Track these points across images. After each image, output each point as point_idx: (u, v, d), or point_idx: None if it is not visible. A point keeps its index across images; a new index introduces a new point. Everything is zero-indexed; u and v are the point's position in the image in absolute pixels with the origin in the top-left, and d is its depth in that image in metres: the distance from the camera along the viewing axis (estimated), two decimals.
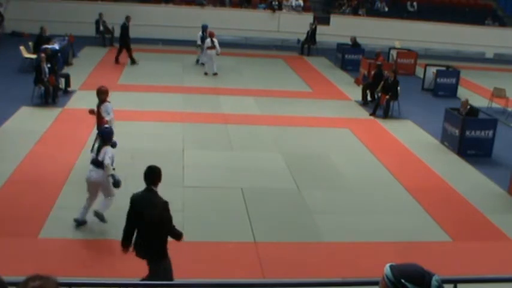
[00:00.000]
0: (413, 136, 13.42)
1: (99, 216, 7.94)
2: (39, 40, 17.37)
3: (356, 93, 16.85)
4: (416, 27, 26.42)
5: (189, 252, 6.44)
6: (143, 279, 6.00)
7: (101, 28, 22.49)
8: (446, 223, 8.84)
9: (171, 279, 5.97)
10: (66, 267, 6.85)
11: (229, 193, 9.44)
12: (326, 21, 26.32)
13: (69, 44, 19.12)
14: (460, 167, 11.61)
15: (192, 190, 9.38)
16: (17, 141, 11.20)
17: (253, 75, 19.31)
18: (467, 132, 12.16)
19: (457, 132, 12.30)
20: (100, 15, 22.51)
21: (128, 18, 19.59)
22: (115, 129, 8.60)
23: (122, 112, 12.04)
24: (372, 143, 12.58)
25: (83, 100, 14.56)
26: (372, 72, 16.69)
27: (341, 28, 25.60)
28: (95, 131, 11.27)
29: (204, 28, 19.97)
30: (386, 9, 27.94)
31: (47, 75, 13.87)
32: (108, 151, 7.85)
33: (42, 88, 13.88)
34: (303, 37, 24.31)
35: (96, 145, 8.19)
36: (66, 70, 16.92)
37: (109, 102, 9.79)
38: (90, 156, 8.26)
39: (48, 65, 14.05)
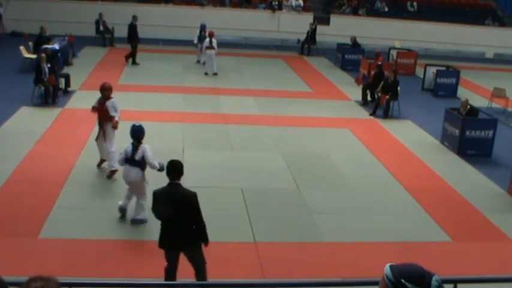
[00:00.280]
0: (413, 136, 13.42)
1: (137, 222, 8.06)
2: (39, 40, 17.37)
3: (356, 93, 16.85)
4: (416, 27, 26.43)
5: None
6: (196, 268, 6.09)
7: (101, 28, 22.49)
8: (446, 223, 8.84)
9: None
10: (66, 267, 6.85)
11: (229, 193, 9.44)
12: (326, 21, 26.32)
13: (69, 44, 19.12)
14: (460, 167, 11.61)
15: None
16: (17, 141, 11.20)
17: (253, 75, 19.31)
18: (467, 132, 12.16)
19: (457, 132, 12.30)
20: (100, 15, 22.51)
21: (134, 18, 19.53)
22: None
23: (122, 112, 11.96)
24: (372, 143, 12.58)
25: (83, 100, 14.56)
26: (372, 72, 16.69)
27: (341, 28, 25.61)
28: (96, 132, 11.30)
29: (203, 27, 19.97)
30: (386, 9, 27.94)
31: (47, 75, 13.87)
32: (147, 149, 7.98)
33: (42, 88, 13.88)
34: (303, 37, 24.31)
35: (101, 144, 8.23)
36: (66, 70, 16.92)
37: (113, 98, 9.74)
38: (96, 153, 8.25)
39: (48, 65, 14.05)
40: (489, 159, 12.12)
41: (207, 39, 18.46)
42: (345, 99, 16.74)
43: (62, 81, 15.24)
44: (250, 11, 26.62)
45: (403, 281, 2.59)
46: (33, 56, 16.64)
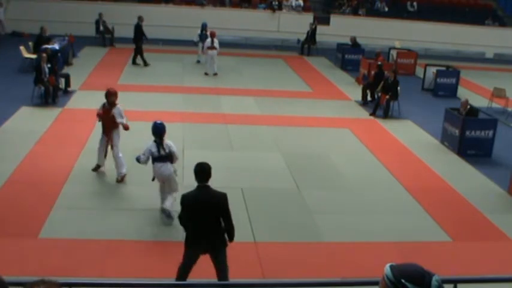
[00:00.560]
0: (413, 136, 13.43)
1: (166, 212, 8.14)
2: (39, 40, 17.37)
3: (356, 93, 16.86)
4: (416, 27, 26.43)
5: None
6: (219, 268, 6.10)
7: (101, 28, 22.49)
8: (446, 223, 8.84)
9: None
10: (66, 267, 6.85)
11: (229, 193, 9.35)
12: (326, 21, 26.33)
13: (69, 44, 19.12)
14: (460, 167, 11.61)
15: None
16: (17, 141, 11.20)
17: (253, 75, 19.31)
18: (467, 132, 12.16)
19: (457, 132, 12.30)
20: (100, 15, 22.51)
21: (140, 18, 19.48)
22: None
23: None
24: (372, 143, 12.59)
25: (83, 100, 14.59)
26: (372, 72, 16.69)
27: (341, 28, 25.62)
28: (95, 132, 11.30)
29: (204, 26, 19.97)
30: (386, 9, 27.94)
31: (47, 75, 13.87)
32: (172, 145, 8.16)
33: (42, 88, 13.88)
34: (303, 37, 24.31)
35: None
36: (66, 70, 16.93)
37: (118, 104, 9.58)
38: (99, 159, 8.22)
39: (48, 65, 14.05)
40: (489, 159, 12.12)
41: (209, 40, 18.42)
42: (345, 99, 16.75)
43: (62, 81, 15.25)
44: (250, 11, 26.63)
45: (403, 281, 2.59)
46: (33, 56, 16.65)
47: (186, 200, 6.01)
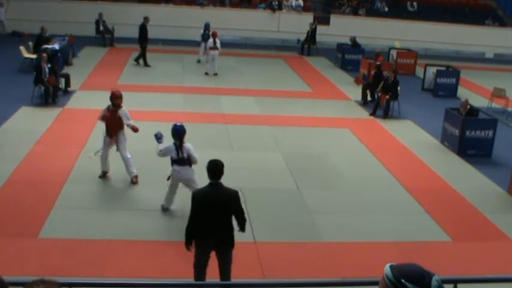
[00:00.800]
0: (413, 136, 13.42)
1: (164, 208, 8.50)
2: (39, 40, 17.37)
3: (356, 93, 16.86)
4: (416, 27, 26.43)
5: (189, 252, 6.44)
6: (225, 268, 6.12)
7: (101, 28, 22.49)
8: (446, 223, 8.84)
9: None
10: (66, 267, 6.85)
11: None
12: (326, 21, 26.33)
13: (69, 44, 19.12)
14: (460, 167, 11.61)
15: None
16: (17, 141, 11.19)
17: (253, 75, 19.31)
18: (467, 132, 12.16)
19: (457, 132, 12.30)
20: (100, 15, 22.50)
21: (146, 19, 19.44)
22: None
23: None
24: (372, 143, 12.59)
25: (83, 100, 14.59)
26: (372, 72, 16.70)
27: (341, 28, 25.62)
28: (96, 132, 11.31)
29: (207, 26, 19.97)
30: (386, 9, 27.94)
31: (47, 75, 13.86)
32: (191, 148, 8.15)
33: (42, 88, 13.88)
34: (303, 37, 24.31)
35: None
36: (66, 70, 16.93)
37: (123, 106, 9.51)
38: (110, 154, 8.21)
39: (48, 65, 14.05)
40: (489, 159, 12.12)
41: (211, 40, 18.41)
42: (345, 99, 16.74)
43: (62, 81, 15.25)
44: (250, 11, 26.62)
45: (403, 281, 2.59)
46: (33, 56, 16.65)
47: (197, 197, 6.02)
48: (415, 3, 28.41)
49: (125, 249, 7.51)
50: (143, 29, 19.20)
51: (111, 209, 8.71)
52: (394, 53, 21.87)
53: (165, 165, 9.54)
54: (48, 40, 17.26)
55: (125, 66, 19.09)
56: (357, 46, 22.00)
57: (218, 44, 18.36)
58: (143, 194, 9.25)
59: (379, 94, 15.33)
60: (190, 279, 6.27)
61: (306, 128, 13.50)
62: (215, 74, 18.51)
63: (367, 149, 12.21)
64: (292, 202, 9.29)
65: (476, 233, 8.72)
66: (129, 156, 9.50)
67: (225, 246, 6.12)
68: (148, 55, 19.52)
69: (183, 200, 8.65)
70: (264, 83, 18.16)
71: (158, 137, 8.48)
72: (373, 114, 14.90)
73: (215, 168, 6.05)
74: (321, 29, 24.64)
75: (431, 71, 18.65)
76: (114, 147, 9.60)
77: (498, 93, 16.70)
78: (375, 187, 10.16)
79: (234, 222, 6.13)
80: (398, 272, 2.62)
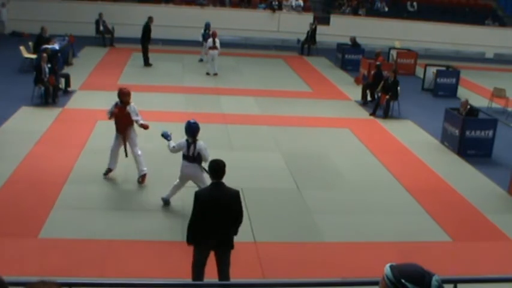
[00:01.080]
0: (413, 136, 13.42)
1: (165, 200, 8.64)
2: (39, 40, 17.36)
3: (356, 93, 16.86)
4: (416, 27, 26.43)
5: (189, 252, 6.44)
6: (223, 269, 6.13)
7: (101, 28, 22.50)
8: (446, 223, 8.84)
9: None
10: (66, 267, 6.85)
11: None
12: (326, 21, 26.33)
13: (69, 44, 19.12)
14: (460, 167, 11.61)
15: (192, 190, 9.26)
16: (17, 141, 11.19)
17: (254, 75, 19.31)
18: (467, 132, 12.16)
19: (457, 132, 12.30)
20: (100, 15, 22.51)
21: (150, 19, 19.42)
22: None
23: None
24: (371, 143, 12.58)
25: (83, 100, 14.59)
26: (372, 72, 16.70)
27: (341, 28, 25.62)
28: (96, 132, 11.30)
29: (207, 26, 19.98)
30: (386, 9, 27.94)
31: (47, 75, 13.86)
32: (202, 147, 8.19)
33: (42, 88, 13.88)
34: (303, 37, 24.31)
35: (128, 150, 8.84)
36: (66, 70, 16.92)
37: (132, 102, 9.50)
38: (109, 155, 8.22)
39: (48, 65, 14.05)
40: (489, 159, 12.12)
41: (210, 40, 18.43)
42: (345, 99, 16.74)
43: (62, 81, 15.25)
44: (250, 11, 26.63)
45: (403, 281, 2.59)
46: (33, 56, 16.65)
47: (200, 196, 6.03)
48: (415, 3, 28.41)
49: (125, 249, 7.51)
50: (147, 29, 19.19)
51: (111, 209, 8.71)
52: (394, 53, 21.87)
53: (166, 166, 9.56)
54: (48, 40, 17.26)
55: (125, 66, 19.09)
56: (357, 46, 22.00)
57: (217, 44, 18.37)
58: (143, 194, 9.26)
59: (379, 94, 15.33)
60: (191, 280, 6.27)
61: (306, 128, 13.50)
62: (215, 74, 18.51)
63: (367, 149, 12.21)
64: (292, 202, 9.29)
65: (476, 233, 8.71)
66: (139, 152, 9.44)
67: (225, 247, 6.13)
68: (148, 55, 19.51)
69: (184, 200, 8.67)
70: (264, 83, 18.16)
71: (166, 136, 8.60)
72: (373, 114, 14.90)
73: (217, 168, 6.06)
74: (321, 29, 24.64)
75: (431, 71, 18.65)
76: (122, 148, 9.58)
77: (498, 93, 16.70)
78: (375, 187, 10.16)
79: None
80: (398, 272, 2.62)
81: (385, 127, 13.98)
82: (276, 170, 10.65)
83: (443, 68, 18.76)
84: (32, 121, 12.62)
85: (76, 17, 23.80)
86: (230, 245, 6.16)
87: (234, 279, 6.34)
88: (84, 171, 9.91)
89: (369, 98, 16.18)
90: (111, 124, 9.70)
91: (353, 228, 8.50)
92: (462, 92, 18.01)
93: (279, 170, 10.66)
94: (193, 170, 8.27)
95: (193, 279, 6.19)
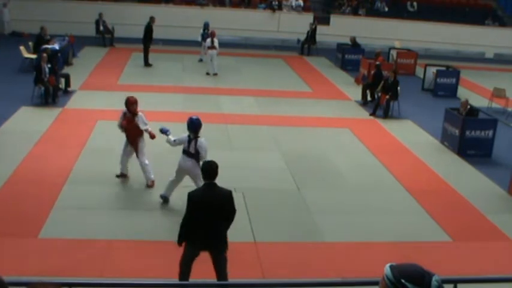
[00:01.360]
0: (413, 136, 13.42)
1: (163, 197, 8.73)
2: (39, 40, 17.36)
3: (356, 93, 16.86)
4: (416, 27, 26.43)
5: None
6: (220, 270, 6.12)
7: (101, 28, 22.49)
8: (446, 223, 8.84)
9: None
10: (66, 267, 6.85)
11: None
12: (326, 21, 26.33)
13: (69, 44, 19.12)
14: (460, 167, 11.61)
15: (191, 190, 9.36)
16: (17, 141, 11.19)
17: (253, 75, 19.31)
18: (467, 132, 12.16)
19: (457, 132, 12.30)
20: (100, 15, 22.51)
21: (152, 19, 19.43)
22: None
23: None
24: (371, 143, 12.58)
25: (83, 100, 14.59)
26: (372, 72, 16.70)
27: (341, 28, 25.62)
28: (96, 132, 11.31)
29: (206, 25, 19.99)
30: (386, 9, 27.94)
31: (47, 75, 13.86)
32: (202, 145, 8.24)
33: (42, 88, 13.88)
34: (303, 37, 24.32)
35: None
36: (66, 70, 16.93)
37: (140, 112, 9.39)
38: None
39: (48, 65, 14.05)
40: (489, 159, 12.12)
41: (209, 39, 18.44)
42: (345, 99, 16.75)
43: (62, 81, 15.25)
44: (250, 11, 26.62)
45: (403, 281, 2.59)
46: (33, 56, 16.65)
47: (193, 197, 6.04)
48: (415, 3, 28.41)
49: (125, 249, 7.51)
50: (148, 29, 19.19)
51: (111, 209, 8.72)
52: (394, 53, 21.87)
53: (166, 167, 9.56)
54: (48, 40, 17.26)
55: (125, 66, 19.09)
56: (357, 46, 22.00)
57: (216, 44, 18.38)
58: (143, 194, 9.26)
59: (379, 94, 15.33)
60: (191, 280, 6.27)
61: (306, 128, 13.50)
62: (215, 74, 18.52)
63: (367, 149, 12.21)
64: (292, 202, 9.29)
65: (476, 233, 8.71)
66: (146, 162, 9.37)
67: (219, 248, 6.12)
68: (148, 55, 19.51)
69: (184, 200, 8.64)
70: (264, 83, 18.17)
71: (165, 131, 8.69)
72: (373, 114, 14.90)
73: (209, 169, 6.09)
74: (321, 29, 24.64)
75: (431, 71, 18.65)
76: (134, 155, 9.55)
77: (498, 93, 16.70)
78: (374, 187, 10.16)
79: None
80: (398, 272, 2.62)
81: (385, 127, 13.98)
82: (276, 170, 10.65)
83: (443, 68, 18.76)
84: (32, 121, 12.62)
85: (76, 17, 23.80)
86: (225, 246, 6.15)
87: (234, 279, 6.34)
88: (84, 171, 9.92)
89: (369, 98, 16.18)
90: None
91: (353, 228, 8.50)
92: (462, 92, 18.01)
93: (279, 170, 10.66)
94: (190, 164, 8.32)
95: (180, 277, 6.19)
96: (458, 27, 26.69)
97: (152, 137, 9.31)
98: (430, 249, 7.94)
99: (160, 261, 7.16)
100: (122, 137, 9.71)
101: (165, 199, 8.79)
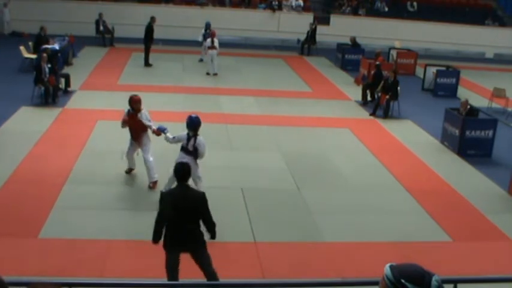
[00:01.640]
0: (413, 136, 13.43)
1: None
2: (39, 40, 17.36)
3: (356, 93, 16.86)
4: (416, 27, 26.43)
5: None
6: (206, 268, 6.09)
7: (101, 28, 22.49)
8: (446, 223, 8.84)
9: None
10: (66, 267, 6.85)
11: (229, 193, 9.45)
12: (326, 21, 26.33)
13: (69, 44, 19.12)
14: (460, 167, 11.61)
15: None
16: (17, 141, 11.19)
17: (254, 75, 19.31)
18: (467, 132, 12.16)
19: (457, 132, 12.30)
20: (100, 15, 22.51)
21: (153, 19, 19.42)
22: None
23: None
24: (371, 143, 12.59)
25: (83, 100, 14.59)
26: (372, 72, 16.71)
27: (341, 28, 25.62)
28: (96, 132, 11.31)
29: (207, 26, 20.00)
30: (386, 9, 27.94)
31: (47, 75, 13.87)
32: (200, 144, 8.25)
33: (42, 88, 13.88)
34: (303, 37, 24.31)
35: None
36: (66, 70, 16.93)
37: (144, 109, 9.41)
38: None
39: (48, 65, 14.05)
40: (489, 159, 12.12)
41: (209, 39, 18.46)
42: (345, 99, 16.75)
43: (62, 81, 15.25)
44: (250, 11, 26.62)
45: (403, 281, 2.59)
46: (33, 56, 16.65)
47: (165, 196, 6.10)
48: (415, 3, 28.41)
49: (125, 249, 7.51)
50: (149, 29, 19.18)
51: (111, 209, 8.72)
52: (394, 53, 21.87)
53: (166, 167, 9.55)
54: (48, 40, 17.26)
55: (125, 66, 19.09)
56: (357, 46, 22.00)
57: (216, 44, 18.39)
58: (143, 194, 9.26)
59: (379, 94, 15.34)
60: (190, 280, 6.28)
61: (306, 128, 13.50)
62: (215, 74, 18.52)
63: (367, 149, 12.21)
64: (292, 202, 9.29)
65: (476, 233, 8.71)
66: (151, 159, 9.36)
67: (196, 247, 6.08)
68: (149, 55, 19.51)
69: None
70: (264, 83, 18.16)
71: (162, 130, 8.77)
72: (373, 114, 14.90)
73: (182, 170, 6.08)
74: (321, 29, 24.64)
75: (431, 71, 18.65)
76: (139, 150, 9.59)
77: (498, 93, 16.70)
78: (374, 187, 10.16)
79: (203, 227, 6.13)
80: (398, 272, 2.62)
81: (385, 127, 13.98)
82: (276, 170, 10.65)
83: (443, 68, 18.76)
84: (32, 121, 12.62)
85: (76, 17, 23.80)
86: (202, 243, 6.09)
87: (234, 279, 6.34)
88: (84, 171, 9.92)
89: (369, 98, 16.18)
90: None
91: (353, 228, 8.50)
92: (462, 92, 18.01)
93: (279, 170, 10.66)
94: (189, 162, 8.27)
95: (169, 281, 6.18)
96: (458, 27, 26.69)
97: (157, 134, 9.33)
98: (430, 249, 7.94)
99: (160, 261, 7.15)
100: (122, 137, 9.72)
101: None
